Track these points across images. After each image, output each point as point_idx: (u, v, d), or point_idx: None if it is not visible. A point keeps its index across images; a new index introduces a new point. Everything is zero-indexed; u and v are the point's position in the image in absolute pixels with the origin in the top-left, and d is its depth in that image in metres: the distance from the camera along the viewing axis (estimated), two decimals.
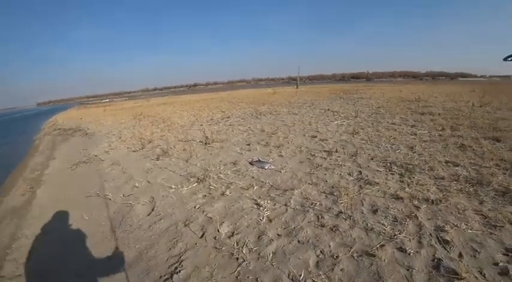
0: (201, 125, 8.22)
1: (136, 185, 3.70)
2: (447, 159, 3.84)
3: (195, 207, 2.88)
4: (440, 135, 5.25)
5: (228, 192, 3.09)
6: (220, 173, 3.79)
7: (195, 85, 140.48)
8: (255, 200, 2.90)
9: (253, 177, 3.54)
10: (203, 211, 2.77)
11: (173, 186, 3.45)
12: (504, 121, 6.11)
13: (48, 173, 5.09)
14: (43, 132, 12.60)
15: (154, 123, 9.50)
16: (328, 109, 9.95)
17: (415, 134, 5.41)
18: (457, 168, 3.50)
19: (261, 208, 2.71)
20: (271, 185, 3.25)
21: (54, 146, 7.98)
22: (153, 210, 2.93)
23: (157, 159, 4.83)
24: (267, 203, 2.81)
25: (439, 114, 7.46)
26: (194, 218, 2.69)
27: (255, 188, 3.20)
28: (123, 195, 3.43)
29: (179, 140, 6.18)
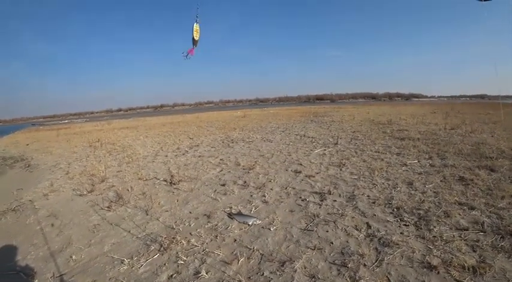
0: (166, 155, 7.18)
1: (74, 257, 2.60)
2: (456, 199, 3.35)
3: None
4: (431, 165, 4.89)
5: (204, 272, 2.18)
6: (191, 234, 2.85)
7: (161, 106, 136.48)
8: None
9: (235, 241, 2.67)
10: None
11: (125, 261, 2.43)
12: (485, 146, 6.02)
13: None
14: None
15: (112, 153, 8.20)
16: (304, 135, 9.51)
17: (406, 164, 5.01)
18: (474, 212, 3.00)
19: None
20: (262, 254, 2.40)
21: None
22: None
23: (109, 209, 3.74)
24: None
25: (418, 139, 7.31)
26: None
27: (241, 260, 2.33)
28: (53, 276, 2.33)
29: (139, 178, 5.10)
